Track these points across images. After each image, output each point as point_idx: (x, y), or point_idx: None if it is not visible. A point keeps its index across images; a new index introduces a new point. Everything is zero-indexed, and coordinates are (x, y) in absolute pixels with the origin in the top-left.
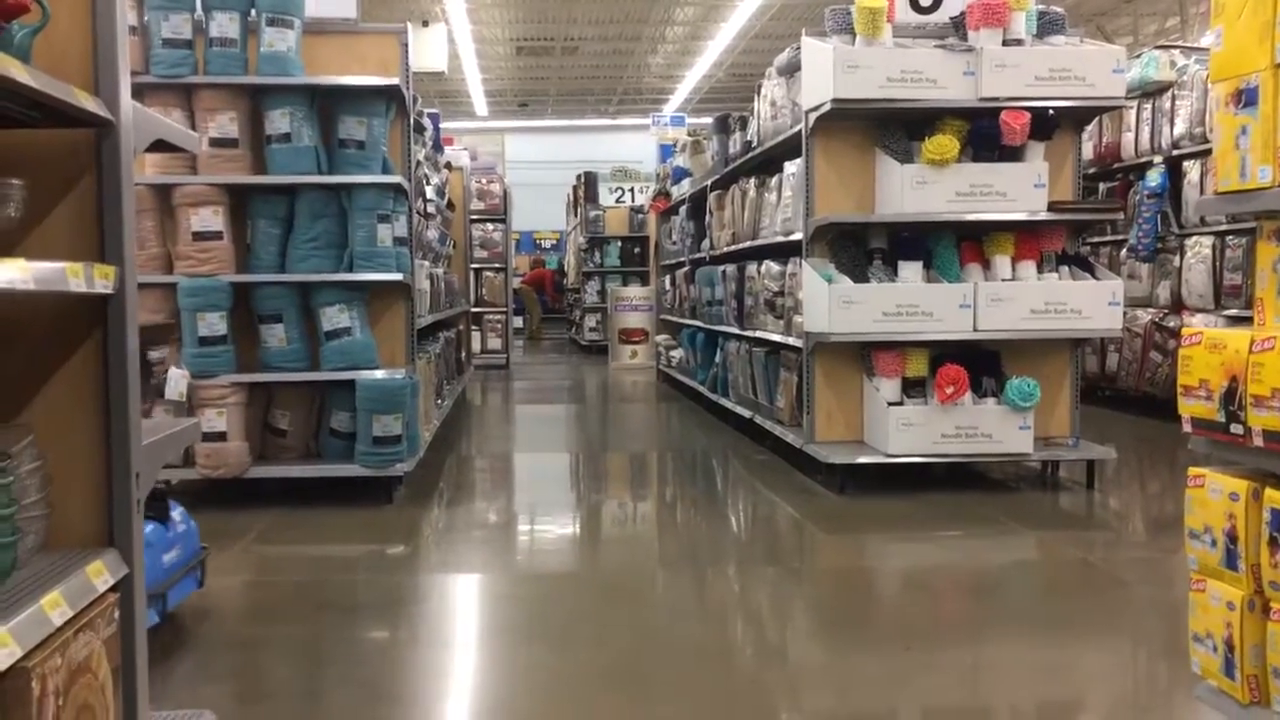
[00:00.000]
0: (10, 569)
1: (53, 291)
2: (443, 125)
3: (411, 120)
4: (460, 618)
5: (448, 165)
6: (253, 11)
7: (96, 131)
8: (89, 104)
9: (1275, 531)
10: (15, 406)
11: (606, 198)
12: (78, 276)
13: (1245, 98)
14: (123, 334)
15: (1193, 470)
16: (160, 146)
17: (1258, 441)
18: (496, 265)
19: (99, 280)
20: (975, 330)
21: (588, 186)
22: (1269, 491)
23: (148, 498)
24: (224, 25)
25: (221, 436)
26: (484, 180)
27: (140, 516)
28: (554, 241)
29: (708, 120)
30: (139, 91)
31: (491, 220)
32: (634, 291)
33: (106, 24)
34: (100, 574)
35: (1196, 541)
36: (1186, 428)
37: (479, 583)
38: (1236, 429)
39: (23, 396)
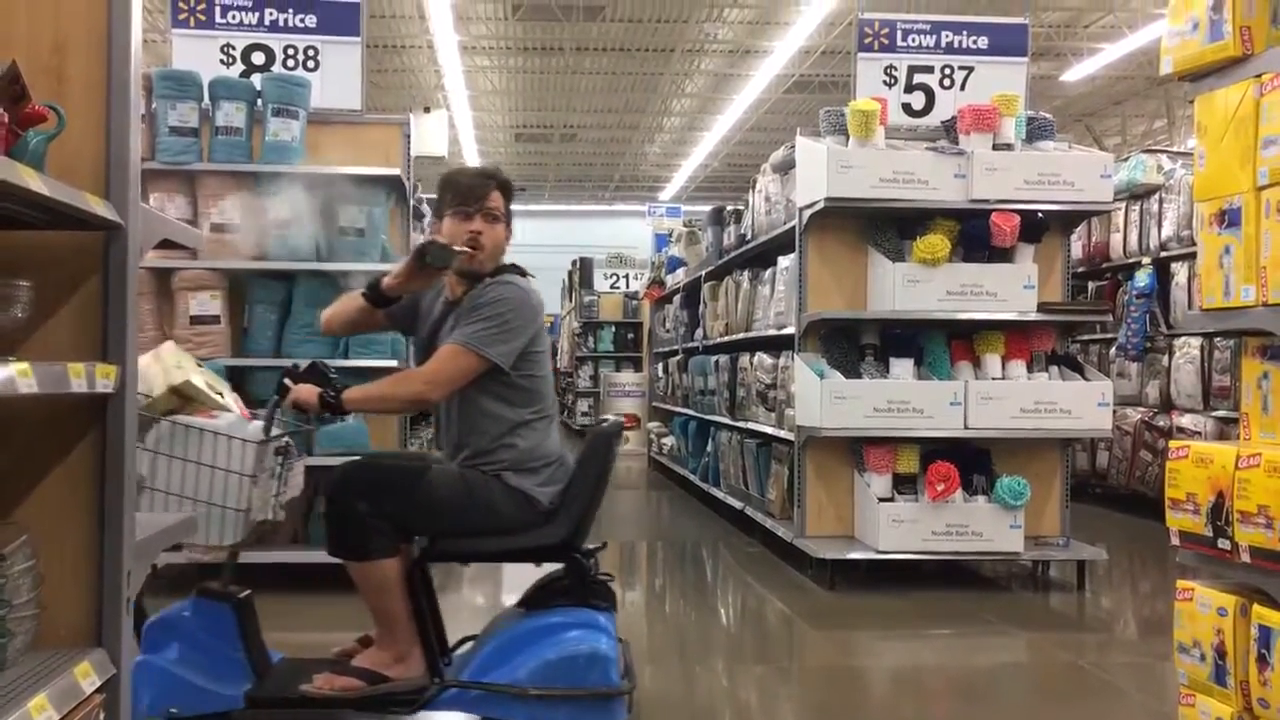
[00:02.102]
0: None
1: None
2: None
3: (411, 207)
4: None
5: None
6: (259, 102)
7: (105, 234)
8: (100, 209)
9: (1263, 649)
10: (9, 504)
11: (601, 283)
12: (80, 377)
13: (1228, 218)
14: (121, 433)
15: (1181, 583)
16: (164, 243)
17: (1245, 558)
18: None
19: (100, 380)
20: (966, 428)
21: (583, 272)
22: (1257, 608)
23: (587, 579)
24: (230, 114)
25: None
26: None
27: (130, 616)
28: (548, 325)
29: (703, 209)
30: (143, 178)
31: None
32: (627, 377)
33: (119, 130)
34: (87, 675)
35: (1186, 655)
36: (1174, 540)
37: None
38: (1224, 544)
39: (17, 494)
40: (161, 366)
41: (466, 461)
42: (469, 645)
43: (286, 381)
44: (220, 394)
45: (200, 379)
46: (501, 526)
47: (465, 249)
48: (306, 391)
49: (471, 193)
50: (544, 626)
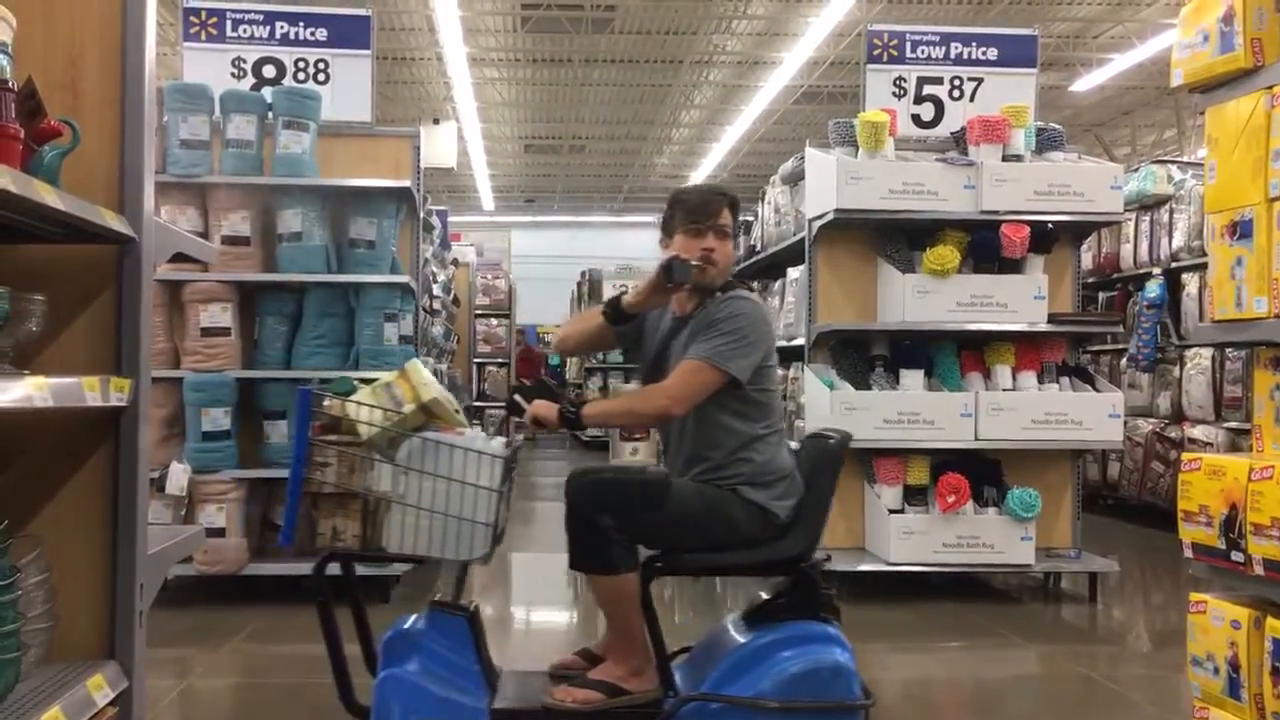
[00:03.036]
0: (13, 684)
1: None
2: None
3: (421, 220)
4: None
5: (454, 262)
6: (270, 114)
7: (119, 248)
8: (114, 223)
9: (1277, 662)
10: (23, 517)
11: (610, 294)
12: (94, 390)
13: (1240, 230)
14: (134, 445)
15: (1194, 596)
16: (174, 256)
17: (1258, 570)
18: (500, 360)
19: (114, 393)
20: (976, 439)
21: (592, 283)
22: (1271, 621)
23: (818, 592)
24: (241, 127)
25: (220, 533)
26: (489, 276)
27: (143, 629)
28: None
29: None
30: (154, 190)
31: (495, 315)
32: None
33: (134, 145)
34: (100, 688)
35: (1199, 668)
36: (1188, 553)
37: None
38: (1237, 556)
39: (31, 507)
40: (410, 384)
41: (701, 476)
42: (684, 657)
43: (518, 398)
44: (457, 410)
45: (443, 396)
46: (740, 540)
47: (700, 264)
48: (545, 408)
49: (704, 210)
50: (783, 639)
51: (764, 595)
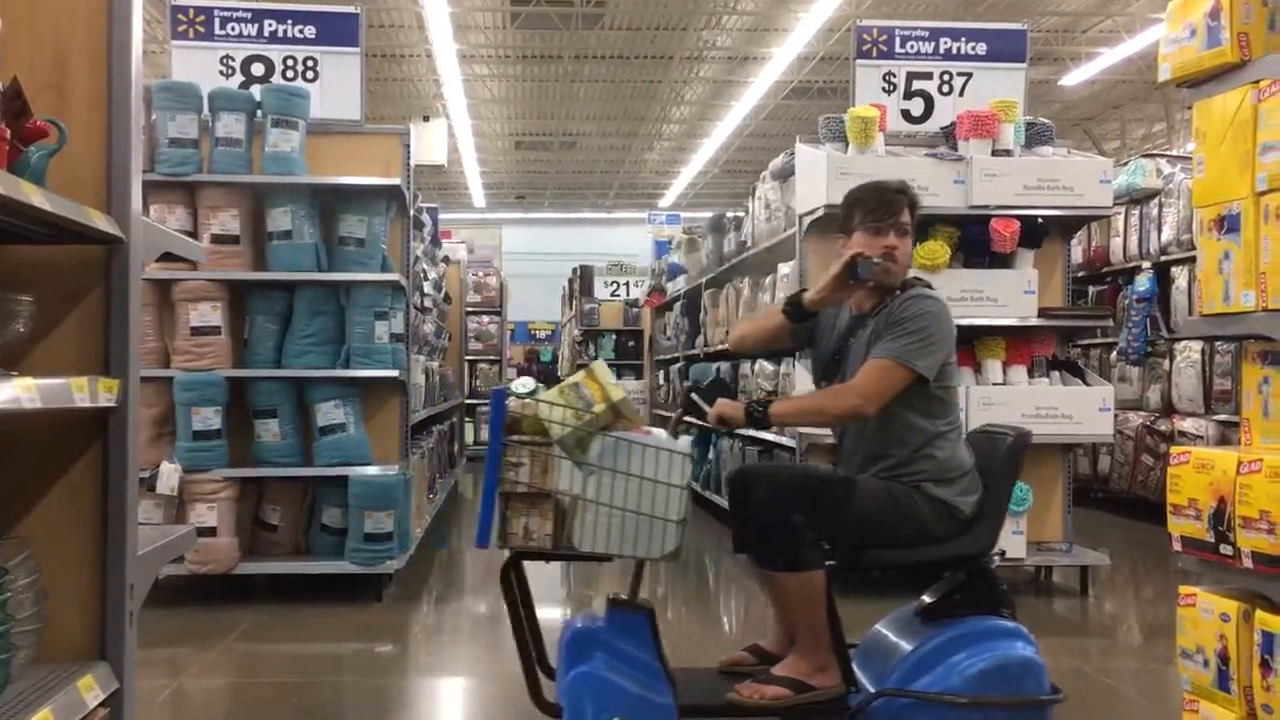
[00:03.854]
0: (3, 686)
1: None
2: (441, 217)
3: (411, 217)
4: None
5: (445, 259)
6: (259, 112)
7: (107, 248)
8: (101, 223)
9: (1266, 654)
10: (12, 519)
11: (602, 291)
12: (82, 391)
13: (1228, 224)
14: (124, 446)
15: (1183, 589)
16: (163, 255)
17: (1247, 563)
18: (491, 357)
19: (103, 394)
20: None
21: (583, 280)
22: (1260, 613)
23: (997, 587)
24: (230, 125)
25: (211, 532)
26: (480, 273)
27: (133, 630)
28: (549, 332)
29: (703, 216)
30: (143, 189)
31: (487, 312)
32: (628, 385)
33: (121, 145)
34: (91, 689)
35: (1189, 661)
36: (1176, 546)
37: (468, 686)
38: (1226, 549)
39: (20, 508)
40: (599, 384)
41: (884, 473)
42: (852, 653)
43: (694, 397)
44: (637, 410)
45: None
46: (925, 537)
47: (882, 262)
48: (731, 407)
49: (886, 208)
50: (969, 635)
51: (926, 597)
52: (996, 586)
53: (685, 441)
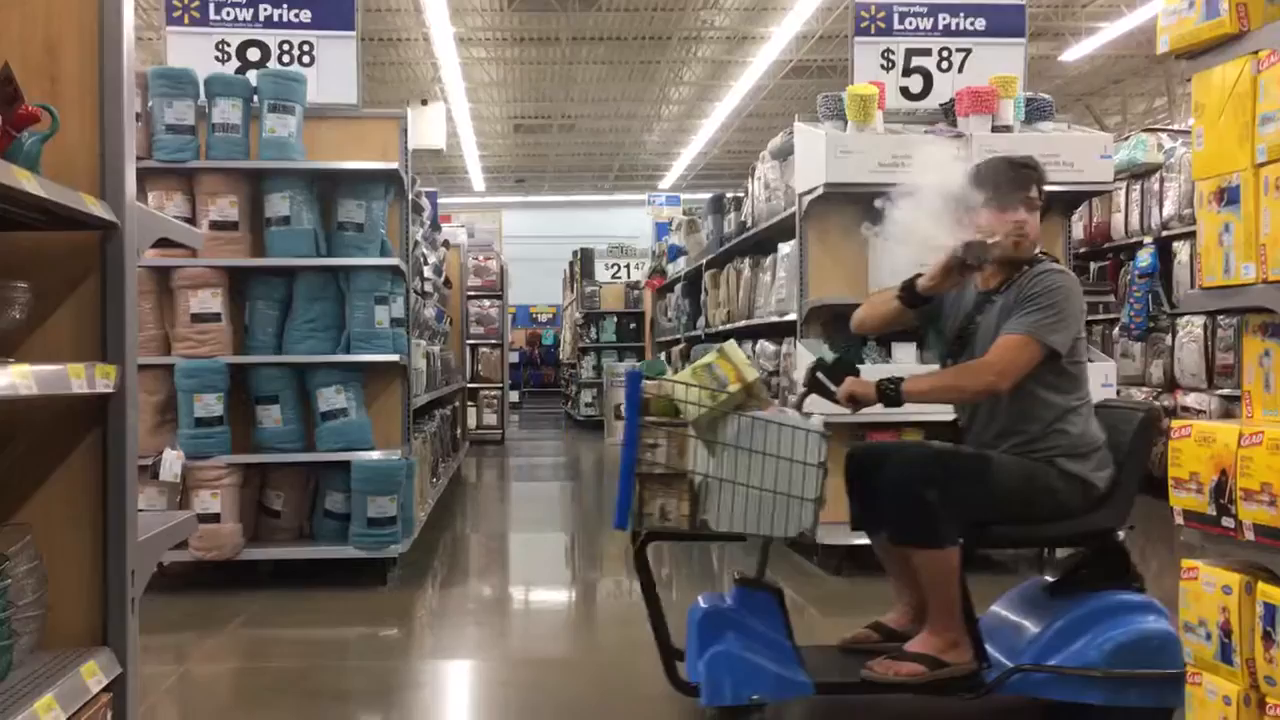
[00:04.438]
0: (5, 672)
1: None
2: (440, 201)
3: (410, 201)
4: (454, 705)
5: (445, 243)
6: (255, 98)
7: (102, 234)
8: (96, 209)
9: (1269, 626)
10: (12, 506)
11: (603, 274)
12: (79, 377)
13: (1227, 196)
14: (122, 432)
15: (1185, 562)
16: (162, 242)
17: (1249, 535)
18: (493, 341)
19: (100, 380)
20: None
21: (584, 262)
22: (1262, 585)
23: (1129, 562)
24: (226, 111)
25: (215, 518)
26: (481, 257)
27: (135, 615)
28: (550, 316)
29: (703, 197)
30: (141, 176)
31: (488, 296)
32: (629, 367)
33: (114, 130)
34: (94, 674)
35: (1191, 634)
36: (1178, 520)
37: (473, 668)
38: (1227, 522)
39: (20, 495)
40: (732, 364)
41: (1016, 449)
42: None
43: (820, 376)
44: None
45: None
46: (1060, 512)
47: (1001, 240)
48: (863, 386)
49: (1015, 184)
50: (1104, 609)
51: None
52: (1128, 561)
53: (818, 420)
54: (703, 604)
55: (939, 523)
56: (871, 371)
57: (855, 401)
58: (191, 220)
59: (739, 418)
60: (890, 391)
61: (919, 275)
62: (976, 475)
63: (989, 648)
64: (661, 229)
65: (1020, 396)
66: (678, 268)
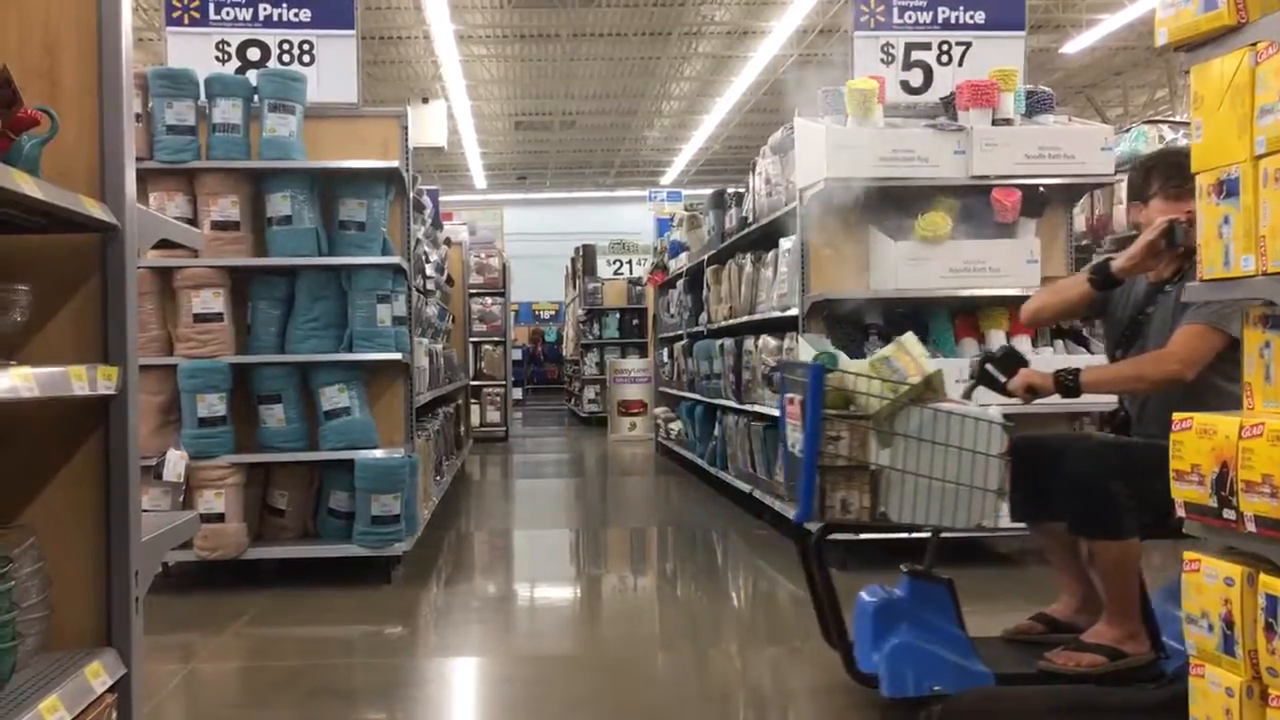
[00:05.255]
0: (9, 674)
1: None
2: (442, 198)
3: (411, 200)
4: (459, 702)
5: (447, 241)
6: (255, 98)
7: (102, 236)
8: (96, 211)
9: (1271, 618)
10: (16, 507)
11: (605, 270)
12: (81, 379)
13: (1226, 189)
14: (124, 433)
15: (1188, 554)
16: (164, 243)
17: (1250, 527)
18: (495, 338)
19: (102, 381)
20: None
21: (586, 259)
22: (1264, 577)
23: None
24: (227, 111)
25: (220, 518)
26: (483, 255)
27: (140, 616)
28: (552, 313)
29: (704, 193)
30: (142, 177)
31: (490, 294)
32: (632, 363)
33: (113, 132)
34: (98, 675)
35: (1194, 626)
36: (1180, 512)
37: (478, 665)
38: (1229, 514)
39: (23, 497)
40: (911, 357)
41: None
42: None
43: (989, 368)
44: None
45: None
46: None
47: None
48: (1040, 376)
49: (1185, 172)
50: None
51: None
52: None
53: (997, 412)
54: (868, 597)
55: (1123, 514)
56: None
57: (1032, 392)
58: (193, 220)
59: (921, 410)
60: (1069, 382)
61: (1109, 258)
62: (1158, 466)
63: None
64: (663, 225)
65: (1196, 386)
66: (679, 263)
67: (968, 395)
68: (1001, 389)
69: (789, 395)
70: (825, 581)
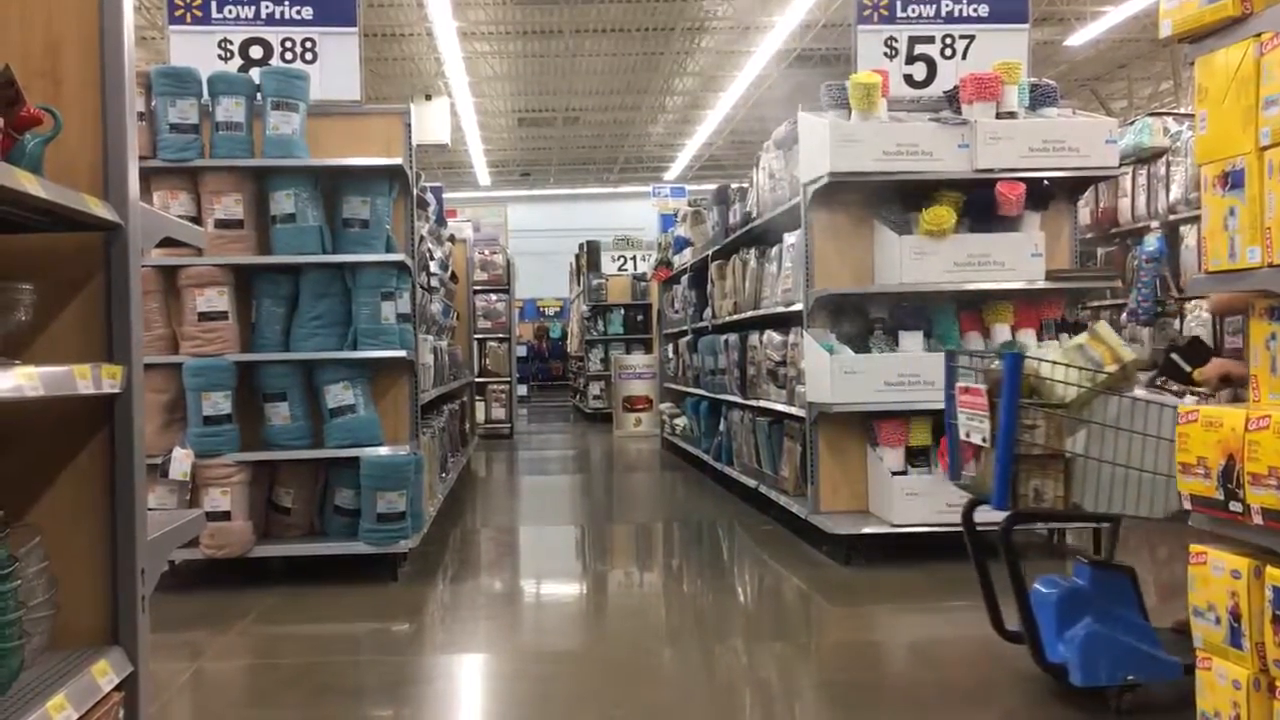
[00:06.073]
0: (17, 672)
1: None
2: (446, 195)
3: (415, 197)
4: (466, 699)
5: (451, 238)
6: (258, 96)
7: (105, 234)
8: (99, 210)
9: (1277, 610)
10: (21, 507)
11: (609, 266)
12: (85, 378)
13: (1232, 180)
14: (129, 432)
15: (1194, 547)
16: (168, 241)
17: (1257, 519)
18: (500, 335)
19: (106, 380)
20: None
21: (590, 255)
22: (1270, 569)
23: None
24: (230, 110)
25: (225, 516)
26: (487, 252)
27: (146, 614)
28: (557, 309)
29: (708, 188)
30: (146, 176)
31: (495, 290)
32: (637, 359)
33: (116, 131)
34: (105, 673)
35: (1200, 619)
36: (1186, 505)
37: (484, 662)
38: (1235, 507)
39: (29, 496)
40: (1107, 345)
41: None
42: None
43: (1175, 358)
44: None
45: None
46: None
47: None
48: (1238, 366)
49: None
50: None
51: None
52: None
53: (1190, 402)
54: (1044, 588)
55: None
56: (873, 361)
57: (1227, 382)
58: (197, 219)
59: (1119, 398)
60: None
61: None
62: None
63: None
64: (667, 221)
65: None
66: (684, 259)
67: (1153, 384)
68: (1188, 379)
69: (962, 384)
70: (1014, 569)
